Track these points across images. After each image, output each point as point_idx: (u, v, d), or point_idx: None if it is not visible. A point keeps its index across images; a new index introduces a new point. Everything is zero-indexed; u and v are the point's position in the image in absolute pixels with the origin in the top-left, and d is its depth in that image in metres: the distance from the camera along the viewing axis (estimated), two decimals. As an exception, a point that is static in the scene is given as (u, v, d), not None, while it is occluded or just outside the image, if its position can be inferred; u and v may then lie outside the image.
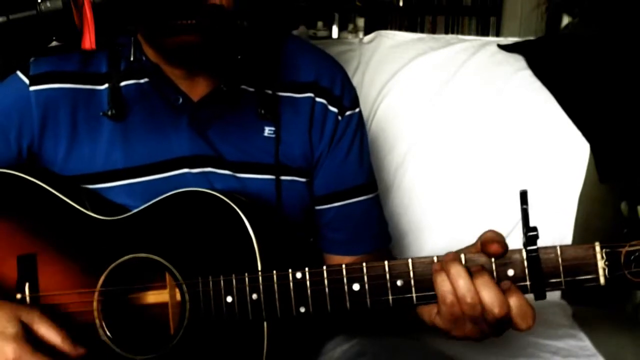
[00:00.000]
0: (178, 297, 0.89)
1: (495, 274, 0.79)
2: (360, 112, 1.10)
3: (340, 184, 1.06)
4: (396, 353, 0.94)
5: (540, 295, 0.78)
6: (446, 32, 4.23)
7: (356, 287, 0.82)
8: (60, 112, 0.99)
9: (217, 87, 0.99)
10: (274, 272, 0.84)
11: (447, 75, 1.56)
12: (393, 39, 1.67)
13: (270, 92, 1.02)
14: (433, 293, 0.79)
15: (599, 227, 1.53)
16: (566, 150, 1.47)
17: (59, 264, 0.93)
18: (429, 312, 0.82)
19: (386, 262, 0.81)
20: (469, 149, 1.50)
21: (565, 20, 2.82)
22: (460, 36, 1.73)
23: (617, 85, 1.50)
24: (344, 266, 0.83)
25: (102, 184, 0.99)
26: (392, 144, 1.50)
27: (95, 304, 0.91)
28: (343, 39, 2.34)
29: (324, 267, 0.83)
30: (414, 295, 0.81)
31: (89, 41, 0.71)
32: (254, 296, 0.84)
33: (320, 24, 4.22)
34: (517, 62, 1.57)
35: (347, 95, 1.07)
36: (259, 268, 0.86)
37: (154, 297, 0.94)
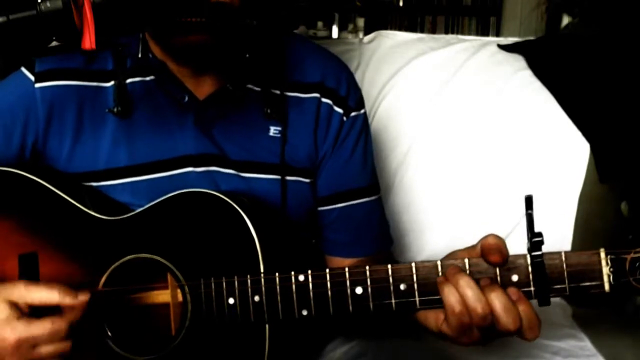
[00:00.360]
0: (180, 298, 0.89)
1: (499, 279, 0.78)
2: (365, 113, 1.10)
3: (343, 185, 1.06)
4: (396, 354, 0.94)
5: (545, 301, 0.78)
6: (446, 32, 4.24)
7: (359, 290, 0.82)
8: (66, 109, 0.99)
9: (223, 86, 0.99)
10: (277, 274, 0.84)
11: (447, 75, 1.56)
12: (393, 39, 1.67)
13: (278, 92, 1.02)
14: (436, 297, 0.79)
15: (599, 227, 1.53)
16: (566, 150, 1.47)
17: (61, 263, 0.93)
18: (435, 320, 0.81)
19: (389, 266, 0.81)
20: (469, 148, 1.50)
21: (565, 20, 2.82)
22: (460, 36, 1.74)
23: (617, 86, 1.50)
24: (347, 269, 0.82)
25: (105, 182, 0.99)
26: (393, 144, 1.50)
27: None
28: (343, 39, 2.35)
29: (327, 270, 0.83)
30: (417, 299, 0.80)
31: (89, 41, 0.71)
32: (256, 298, 0.84)
33: (320, 24, 4.22)
34: (517, 62, 1.57)
35: (353, 96, 1.07)
36: (262, 270, 0.85)
37: (155, 297, 0.93)
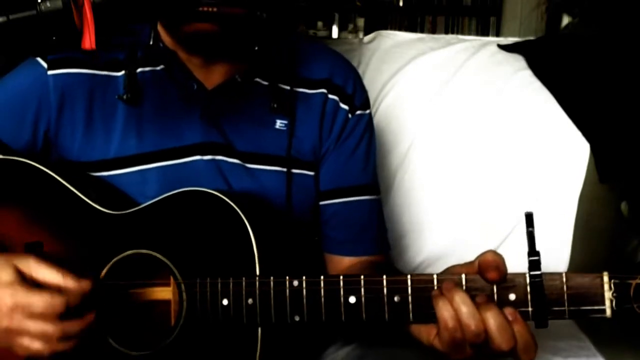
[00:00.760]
0: (176, 295, 0.89)
1: (495, 297, 0.76)
2: (370, 114, 1.11)
3: (344, 181, 1.07)
4: (396, 357, 0.94)
5: (542, 324, 0.75)
6: (446, 32, 4.24)
7: (352, 299, 0.80)
8: (77, 98, 1.00)
9: (232, 77, 1.00)
10: (271, 278, 0.84)
11: (447, 75, 1.56)
12: (393, 39, 1.67)
13: (286, 87, 1.03)
14: (431, 312, 0.77)
15: (599, 227, 1.53)
16: (566, 150, 1.47)
17: (64, 254, 0.93)
18: (427, 334, 0.80)
19: (385, 276, 0.80)
20: (469, 149, 1.50)
21: (565, 20, 2.82)
22: (460, 36, 1.73)
23: (617, 86, 1.50)
24: (341, 277, 0.82)
25: (115, 171, 1.00)
26: (393, 144, 1.50)
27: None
28: (343, 39, 2.35)
29: (322, 277, 0.82)
30: (410, 312, 0.79)
31: (89, 41, 0.71)
32: (250, 301, 0.84)
33: (320, 24, 4.23)
34: (517, 62, 1.57)
35: (359, 96, 1.09)
36: (257, 273, 0.86)
37: (153, 294, 0.94)
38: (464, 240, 1.44)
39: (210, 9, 0.84)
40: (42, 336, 0.81)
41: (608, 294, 0.74)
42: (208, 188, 0.90)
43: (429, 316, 0.77)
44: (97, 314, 0.86)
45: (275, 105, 1.01)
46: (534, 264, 0.75)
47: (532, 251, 0.75)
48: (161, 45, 1.00)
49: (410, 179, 1.50)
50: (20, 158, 0.97)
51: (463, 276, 0.77)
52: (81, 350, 0.85)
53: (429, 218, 1.48)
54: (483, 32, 4.27)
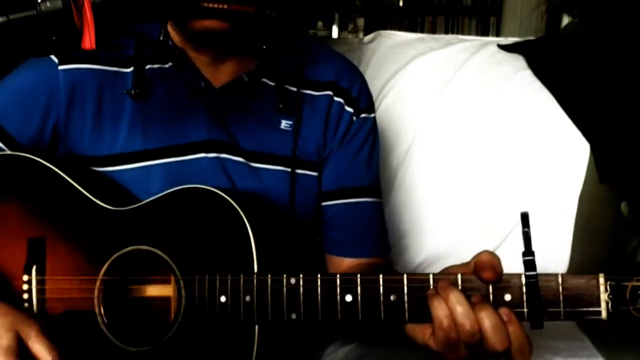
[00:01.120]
0: (175, 292, 0.90)
1: (491, 297, 0.76)
2: (374, 118, 1.12)
3: (346, 182, 1.07)
4: (397, 356, 0.94)
5: (537, 325, 0.75)
6: (446, 32, 4.24)
7: (349, 298, 0.81)
8: (87, 93, 1.01)
9: (239, 76, 1.01)
10: (269, 275, 0.84)
11: (447, 75, 1.56)
12: (393, 39, 1.67)
13: (293, 88, 1.04)
14: (426, 311, 0.77)
15: (599, 227, 1.53)
16: (566, 150, 1.47)
17: (67, 250, 0.94)
18: (422, 333, 0.80)
19: (381, 275, 0.80)
20: (469, 149, 1.50)
21: (565, 20, 2.82)
22: (460, 36, 1.74)
23: (617, 86, 1.50)
24: (338, 276, 0.82)
25: (121, 166, 1.00)
26: (393, 144, 1.50)
27: (96, 291, 0.91)
28: (343, 39, 2.35)
29: (319, 275, 0.83)
30: (406, 311, 0.79)
31: (89, 41, 0.71)
32: (247, 298, 0.84)
33: (320, 24, 4.23)
34: (517, 62, 1.57)
35: (364, 99, 1.10)
36: (255, 270, 0.86)
37: (152, 290, 0.94)
38: (464, 240, 1.44)
39: (220, 6, 0.84)
40: None
41: (604, 296, 0.73)
42: (211, 186, 0.90)
43: (425, 316, 0.77)
44: (98, 309, 0.88)
45: (281, 106, 1.02)
46: (529, 264, 0.75)
47: (528, 251, 0.75)
48: (170, 43, 1.01)
49: (410, 179, 1.50)
50: (24, 154, 0.97)
51: (459, 276, 0.77)
52: (80, 345, 0.86)
53: (429, 218, 1.48)
54: (483, 32, 4.27)
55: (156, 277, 0.93)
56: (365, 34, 3.58)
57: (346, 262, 1.08)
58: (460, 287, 0.77)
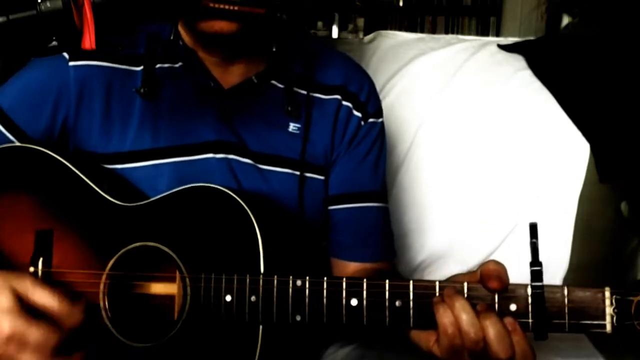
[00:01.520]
0: (181, 289, 0.90)
1: (497, 306, 0.77)
2: (382, 123, 1.12)
3: (353, 186, 1.07)
4: (397, 358, 0.94)
5: (541, 336, 0.75)
6: (446, 32, 4.24)
7: (354, 302, 0.81)
8: (97, 89, 1.01)
9: (248, 78, 1.01)
10: (275, 276, 0.84)
11: (447, 75, 1.56)
12: (393, 39, 1.67)
13: (302, 92, 1.04)
14: (431, 318, 0.77)
15: (599, 227, 1.53)
16: (566, 150, 1.47)
17: (73, 243, 0.94)
18: (426, 340, 0.80)
19: (387, 281, 0.80)
20: (470, 149, 1.50)
21: (565, 20, 2.82)
22: (460, 36, 1.74)
23: (617, 86, 1.50)
24: (344, 279, 0.82)
25: (129, 164, 1.00)
26: (393, 144, 1.50)
27: (101, 286, 0.91)
28: (343, 39, 2.35)
29: (325, 278, 0.83)
30: (411, 318, 0.79)
31: (89, 41, 0.71)
32: (253, 298, 0.84)
33: (320, 24, 4.23)
34: (517, 62, 1.57)
35: (373, 104, 1.10)
36: (262, 270, 0.86)
37: (157, 287, 0.94)
38: (464, 239, 1.44)
39: (230, 7, 0.84)
40: None
41: (609, 310, 0.74)
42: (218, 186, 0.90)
43: (429, 322, 0.77)
44: (103, 304, 0.88)
45: (289, 109, 1.02)
46: (536, 275, 0.75)
47: (535, 262, 0.75)
48: (181, 43, 1.01)
49: (410, 179, 1.50)
50: (35, 146, 0.97)
51: (465, 284, 0.78)
52: (84, 340, 0.85)
53: (430, 217, 1.48)
54: (483, 32, 4.27)
55: (162, 274, 0.93)
56: (365, 34, 3.58)
57: (351, 267, 1.07)
58: (466, 296, 0.77)
